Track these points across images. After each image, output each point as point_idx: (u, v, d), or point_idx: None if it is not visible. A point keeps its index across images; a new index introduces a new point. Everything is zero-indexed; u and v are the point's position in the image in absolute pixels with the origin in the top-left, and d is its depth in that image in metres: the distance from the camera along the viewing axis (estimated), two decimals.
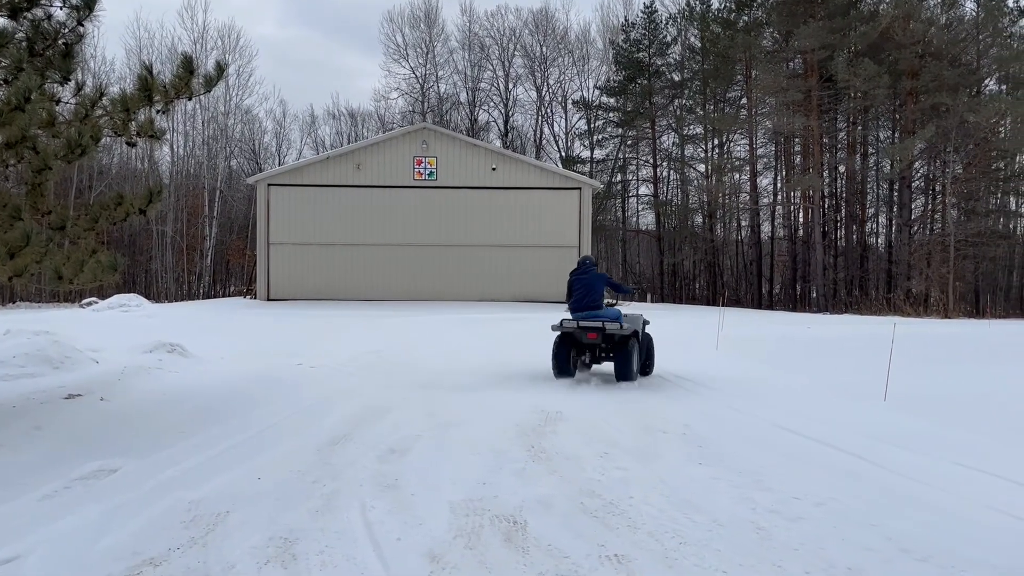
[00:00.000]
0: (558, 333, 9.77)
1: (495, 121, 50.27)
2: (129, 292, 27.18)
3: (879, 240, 39.54)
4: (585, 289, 9.88)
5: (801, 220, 39.08)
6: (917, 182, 35.68)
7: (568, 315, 9.87)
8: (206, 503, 4.57)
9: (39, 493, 4.83)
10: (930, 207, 35.98)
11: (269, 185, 27.67)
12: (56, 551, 3.83)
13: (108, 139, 7.15)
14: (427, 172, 27.66)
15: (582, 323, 9.46)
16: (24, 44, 6.17)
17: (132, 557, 3.74)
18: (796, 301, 37.98)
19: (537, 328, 17.27)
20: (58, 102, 6.51)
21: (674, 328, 16.96)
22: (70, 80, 6.63)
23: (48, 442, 6.26)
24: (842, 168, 38.05)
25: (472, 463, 5.53)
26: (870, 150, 38.21)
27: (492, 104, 50.21)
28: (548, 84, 49.76)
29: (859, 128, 37.48)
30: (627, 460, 5.61)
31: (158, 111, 6.97)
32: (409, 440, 6.29)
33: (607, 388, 9.05)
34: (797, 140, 38.36)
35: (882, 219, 39.27)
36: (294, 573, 3.55)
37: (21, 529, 4.13)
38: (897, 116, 35.91)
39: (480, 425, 6.90)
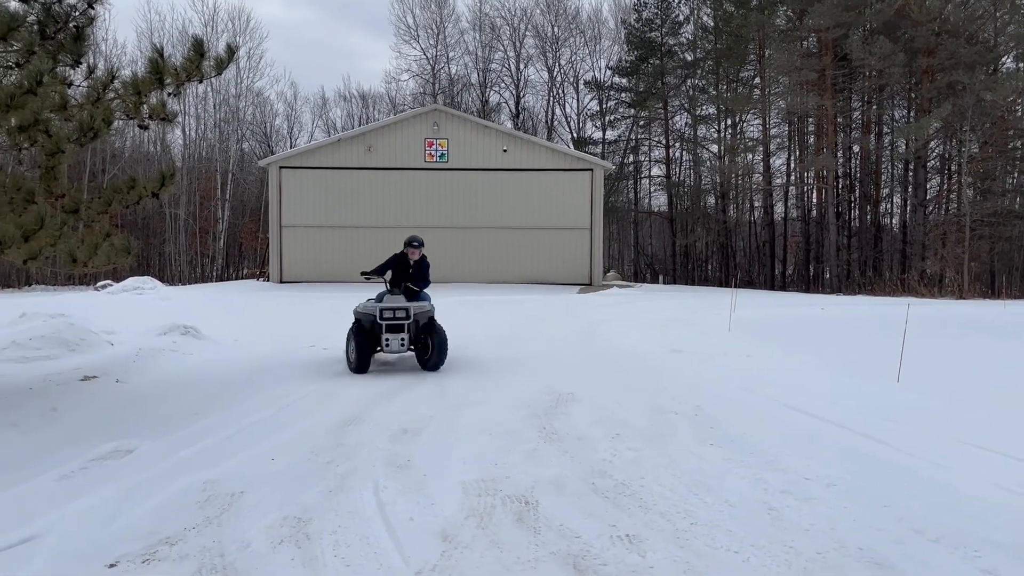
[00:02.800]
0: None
1: (506, 102, 50.11)
2: (143, 275, 27.31)
3: (893, 220, 39.22)
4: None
5: (815, 200, 38.77)
6: (933, 162, 35.29)
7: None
8: (221, 483, 4.62)
9: (56, 473, 4.89)
10: (946, 187, 35.61)
11: (281, 168, 27.69)
12: (74, 530, 3.89)
13: (120, 122, 7.17)
14: (438, 154, 27.60)
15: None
16: (35, 27, 6.17)
17: (148, 536, 3.79)
18: (809, 282, 37.78)
19: (549, 310, 17.29)
20: (70, 85, 6.52)
21: (686, 310, 16.94)
22: (81, 63, 6.63)
23: (65, 423, 6.33)
24: (856, 148, 37.68)
25: (484, 444, 5.56)
26: (885, 129, 37.77)
27: (503, 85, 50.03)
28: (560, 64, 49.51)
29: (874, 107, 37.04)
30: (638, 441, 5.62)
31: (170, 94, 6.98)
32: (421, 421, 6.33)
33: (614, 373, 9.05)
34: (811, 120, 37.96)
35: (897, 199, 38.91)
36: (308, 552, 3.59)
37: (39, 509, 4.19)
38: (913, 95, 35.46)
39: (491, 406, 6.93)
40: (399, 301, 8.91)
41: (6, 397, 7.28)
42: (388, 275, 9.36)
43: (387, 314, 8.75)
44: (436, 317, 9.20)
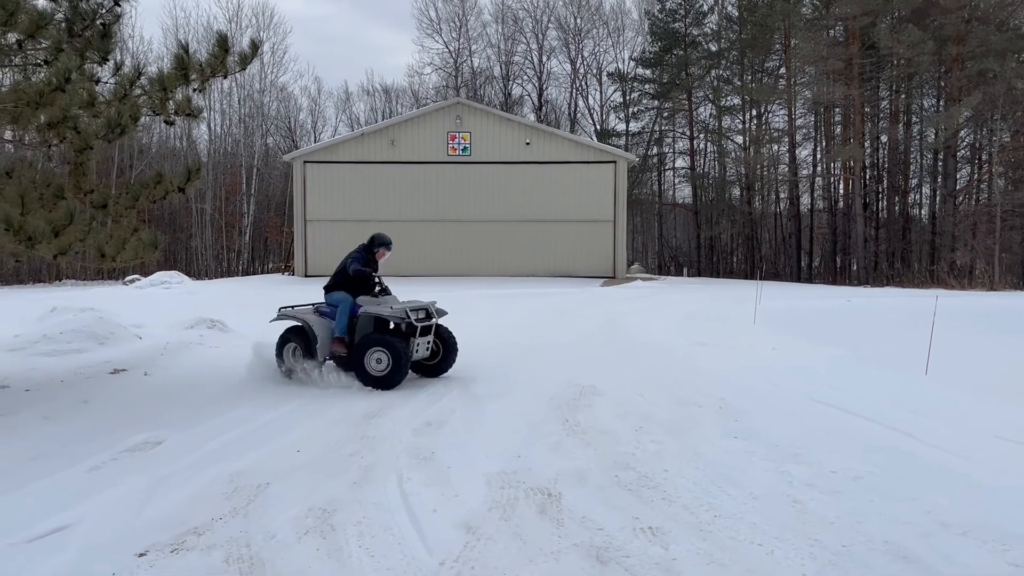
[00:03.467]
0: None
1: (529, 95, 49.98)
2: (170, 269, 27.64)
3: (922, 211, 38.69)
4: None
5: (841, 191, 38.34)
6: (963, 151, 34.77)
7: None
8: (247, 475, 4.68)
9: (88, 464, 4.97)
10: (976, 177, 35.07)
11: (305, 162, 27.88)
12: (105, 520, 3.95)
13: (147, 118, 7.26)
14: (461, 147, 27.63)
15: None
16: (63, 25, 6.26)
17: (177, 526, 3.85)
18: (836, 274, 37.37)
19: (572, 303, 17.27)
20: (97, 82, 6.60)
21: (710, 302, 16.86)
22: (108, 60, 6.72)
23: (95, 415, 6.44)
24: (884, 138, 37.20)
25: (507, 436, 5.58)
26: (914, 119, 37.22)
27: (526, 78, 49.91)
28: (583, 56, 49.30)
29: (902, 96, 36.53)
30: (662, 434, 5.61)
31: (195, 89, 7.05)
32: (444, 413, 6.36)
33: (638, 366, 9.02)
34: (838, 110, 37.53)
35: (926, 190, 38.36)
36: (333, 543, 3.62)
37: (71, 498, 4.27)
38: (942, 83, 34.94)
39: (514, 399, 6.94)
40: (400, 301, 8.06)
41: (39, 389, 7.42)
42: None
43: (420, 315, 7.77)
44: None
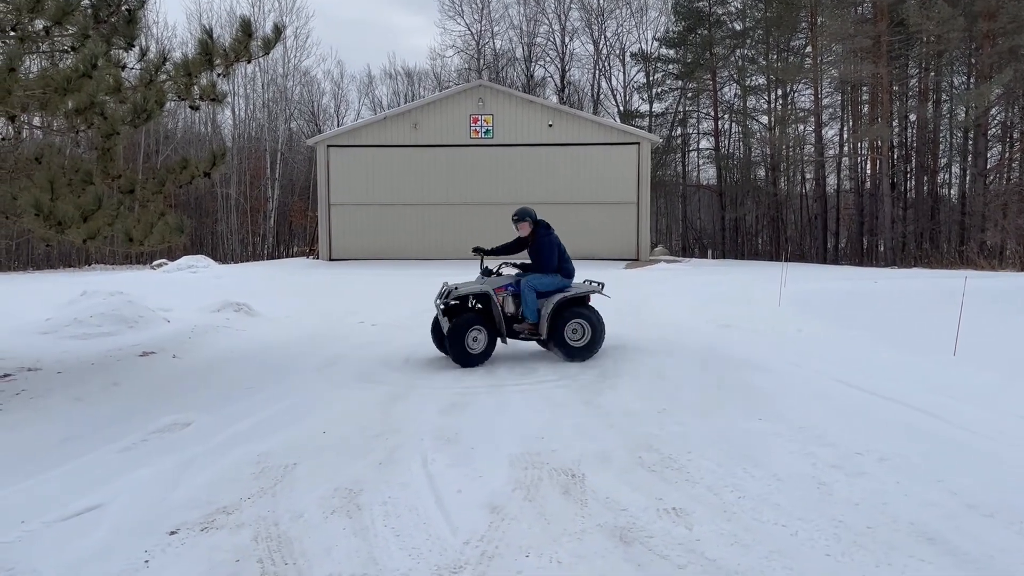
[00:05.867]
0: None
1: (551, 76, 49.72)
2: (196, 254, 27.94)
3: (952, 191, 38.02)
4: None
5: (868, 172, 37.77)
6: (994, 129, 34.08)
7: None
8: (274, 455, 4.75)
9: (118, 445, 5.07)
10: (1007, 155, 34.38)
11: (328, 146, 27.96)
12: (136, 499, 4.04)
13: (172, 103, 7.31)
14: (483, 130, 27.57)
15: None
16: (89, 11, 6.31)
17: (206, 506, 3.92)
18: (863, 255, 36.92)
19: None
20: (123, 68, 6.66)
21: (735, 284, 16.74)
22: (134, 46, 6.77)
23: (125, 397, 6.55)
24: (913, 117, 36.56)
25: (530, 418, 5.60)
26: (943, 97, 36.53)
27: (548, 59, 49.61)
28: (605, 37, 48.93)
29: (931, 74, 35.84)
30: (685, 415, 5.61)
31: (219, 74, 7.09)
32: (468, 395, 6.39)
33: (662, 348, 8.99)
34: (865, 88, 36.88)
35: (955, 169, 37.68)
36: (359, 523, 3.67)
37: (103, 478, 4.36)
38: (973, 60, 34.22)
39: (537, 380, 6.96)
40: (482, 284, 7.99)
41: (70, 372, 7.55)
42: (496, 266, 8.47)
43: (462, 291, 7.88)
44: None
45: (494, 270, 8.33)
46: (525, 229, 8.18)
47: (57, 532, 3.63)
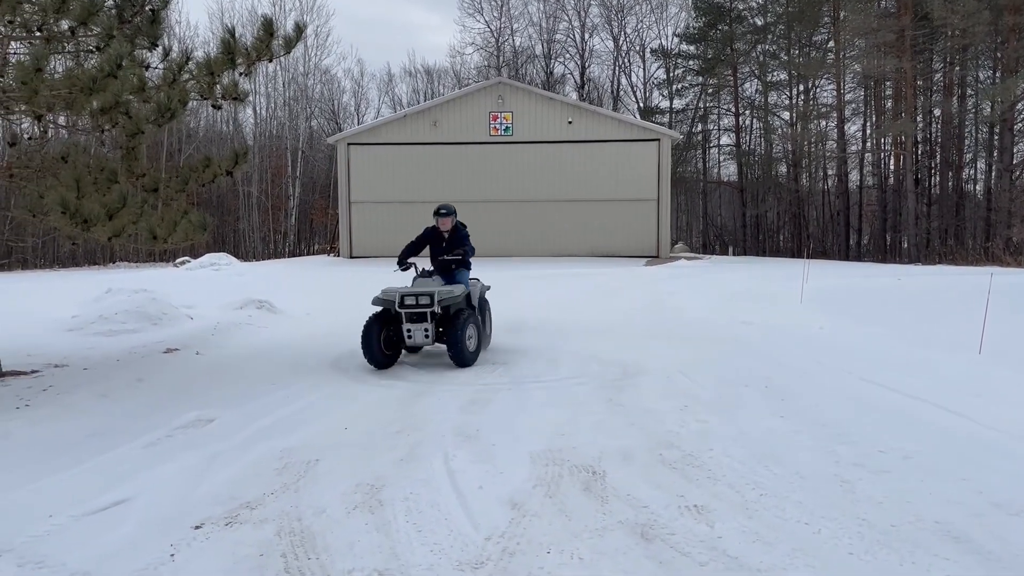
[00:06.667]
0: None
1: (571, 73, 49.61)
2: (219, 251, 28.17)
3: (977, 187, 37.56)
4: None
5: (892, 167, 37.36)
6: (1020, 124, 33.56)
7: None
8: (296, 451, 4.78)
9: (143, 441, 5.12)
10: None
11: (349, 144, 28.08)
12: (160, 494, 4.08)
13: (194, 102, 7.37)
14: (503, 127, 27.57)
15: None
16: (114, 12, 6.38)
17: (230, 501, 3.96)
18: (886, 252, 36.56)
19: (615, 283, 17.20)
20: (147, 68, 6.73)
21: (756, 281, 16.64)
22: (157, 46, 6.84)
23: (149, 393, 6.62)
24: (937, 112, 36.12)
25: (551, 415, 5.60)
26: (968, 92, 36.07)
27: (568, 56, 49.51)
28: (625, 33, 48.71)
29: (956, 69, 35.38)
30: (707, 413, 5.59)
31: (241, 73, 7.14)
32: (489, 392, 6.41)
33: (683, 346, 8.97)
34: (888, 84, 36.50)
35: (980, 164, 37.21)
36: (381, 518, 3.69)
37: (128, 474, 4.41)
38: (998, 54, 33.74)
39: (558, 378, 6.97)
40: (426, 285, 7.81)
41: (95, 368, 7.65)
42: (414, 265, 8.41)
43: (409, 300, 7.57)
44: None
45: (420, 268, 8.39)
46: (448, 224, 8.38)
47: (84, 526, 3.68)
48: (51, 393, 6.57)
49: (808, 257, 21.35)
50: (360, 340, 7.55)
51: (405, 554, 3.29)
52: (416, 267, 8.35)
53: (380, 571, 3.13)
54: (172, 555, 3.34)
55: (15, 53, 6.87)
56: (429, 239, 8.45)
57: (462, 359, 7.55)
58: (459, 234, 8.41)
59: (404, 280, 8.76)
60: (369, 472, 4.36)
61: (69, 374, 7.38)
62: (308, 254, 39.90)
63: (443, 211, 8.34)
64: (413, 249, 8.42)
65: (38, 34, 6.14)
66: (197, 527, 3.63)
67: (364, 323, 7.64)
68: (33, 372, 7.44)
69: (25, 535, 3.56)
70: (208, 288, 15.67)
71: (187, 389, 6.80)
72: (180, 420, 5.64)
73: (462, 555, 3.28)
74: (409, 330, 7.62)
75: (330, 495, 4.01)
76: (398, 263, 8.37)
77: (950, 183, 36.40)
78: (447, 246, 8.35)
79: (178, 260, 27.06)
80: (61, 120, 7.04)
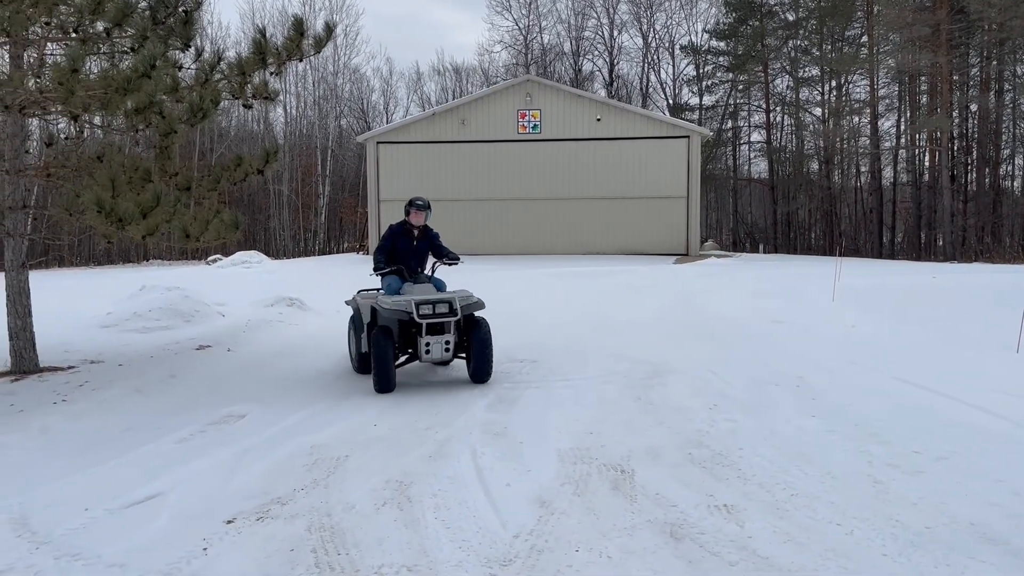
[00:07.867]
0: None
1: (600, 70, 49.42)
2: (250, 250, 28.46)
3: (1015, 183, 36.86)
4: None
5: (927, 164, 36.76)
6: None
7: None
8: (326, 448, 4.82)
9: (176, 436, 5.20)
10: None
11: (378, 143, 28.21)
12: (193, 489, 4.14)
13: (226, 102, 7.45)
14: (531, 125, 27.53)
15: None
16: (147, 13, 6.47)
17: (261, 496, 4.00)
18: (920, 250, 35.98)
19: (644, 281, 17.10)
20: (180, 68, 6.81)
21: (788, 279, 16.45)
22: (190, 46, 6.92)
23: (182, 389, 6.72)
24: (974, 107, 35.46)
25: (579, 413, 5.59)
26: (1006, 86, 35.34)
27: (596, 53, 49.35)
28: (654, 30, 48.41)
29: (994, 63, 34.72)
30: (737, 412, 5.54)
31: (272, 73, 7.22)
32: (517, 390, 6.40)
33: (712, 344, 8.89)
34: (923, 79, 35.92)
35: (1018, 160, 36.53)
36: (409, 514, 3.71)
37: (162, 468, 4.47)
38: None
39: (586, 376, 6.94)
40: (429, 292, 6.83)
41: (130, 364, 7.77)
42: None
43: (425, 309, 6.49)
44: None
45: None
46: (422, 219, 7.40)
47: (119, 519, 3.75)
48: (87, 389, 6.69)
49: (840, 255, 21.05)
50: (373, 363, 6.46)
51: (433, 551, 3.30)
52: (403, 270, 7.18)
53: (409, 567, 3.15)
54: (205, 549, 3.38)
55: (52, 54, 7.00)
56: (398, 235, 7.38)
57: (486, 373, 6.72)
58: (431, 233, 7.56)
59: (378, 285, 7.61)
60: (397, 468, 4.38)
61: (104, 370, 7.51)
62: (337, 252, 40.19)
63: (419, 203, 7.33)
64: (391, 253, 7.31)
65: (74, 35, 6.26)
66: (229, 522, 3.67)
67: (372, 342, 6.54)
68: (70, 368, 7.58)
69: (63, 528, 3.63)
70: (239, 286, 15.85)
71: (219, 385, 6.88)
72: (212, 416, 5.72)
73: (491, 552, 3.28)
74: (428, 344, 6.54)
75: (359, 491, 4.04)
76: (375, 269, 7.17)
77: (987, 179, 35.71)
78: (418, 244, 7.45)
79: (210, 258, 27.39)
80: (96, 120, 7.15)
